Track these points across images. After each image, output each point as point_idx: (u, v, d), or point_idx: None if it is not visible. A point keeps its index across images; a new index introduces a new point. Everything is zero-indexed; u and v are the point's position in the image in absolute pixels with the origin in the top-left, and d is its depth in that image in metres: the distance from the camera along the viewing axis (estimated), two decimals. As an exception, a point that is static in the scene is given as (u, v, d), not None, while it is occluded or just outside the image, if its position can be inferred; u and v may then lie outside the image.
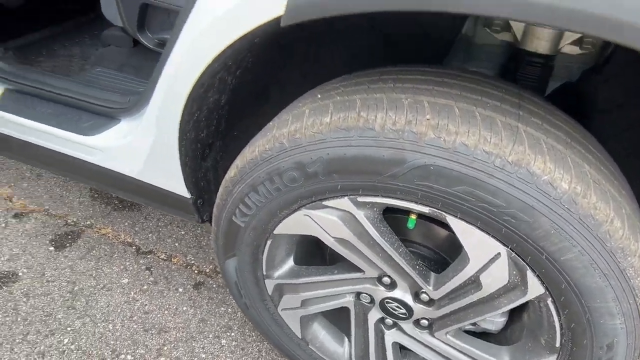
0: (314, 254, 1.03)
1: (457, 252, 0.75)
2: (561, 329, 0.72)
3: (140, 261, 1.49)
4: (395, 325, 0.94)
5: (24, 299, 1.34)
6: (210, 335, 1.29)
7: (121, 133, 1.07)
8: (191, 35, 0.79)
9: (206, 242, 1.60)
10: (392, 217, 0.81)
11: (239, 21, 0.71)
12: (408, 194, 0.68)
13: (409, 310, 0.86)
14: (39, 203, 1.67)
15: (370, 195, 0.72)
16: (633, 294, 0.64)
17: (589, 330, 0.68)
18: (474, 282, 0.74)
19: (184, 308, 1.36)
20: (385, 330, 0.96)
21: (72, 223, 1.60)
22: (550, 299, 0.69)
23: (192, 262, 1.51)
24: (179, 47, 0.81)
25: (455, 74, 0.74)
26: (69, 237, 1.55)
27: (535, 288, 0.69)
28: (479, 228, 0.66)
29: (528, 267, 0.67)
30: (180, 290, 1.41)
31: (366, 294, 0.90)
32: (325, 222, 0.78)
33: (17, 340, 1.23)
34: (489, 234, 0.66)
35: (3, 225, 1.57)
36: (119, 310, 1.33)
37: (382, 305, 0.89)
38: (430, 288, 0.79)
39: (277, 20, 0.66)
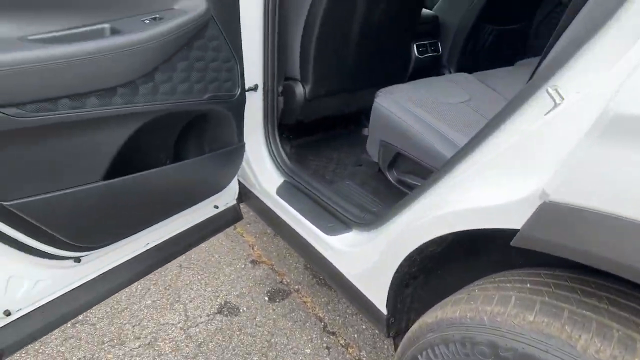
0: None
1: None
2: None
3: (324, 338, 1.73)
4: None
5: (237, 332, 1.73)
6: None
7: (351, 241, 1.34)
8: (433, 213, 0.96)
9: (380, 345, 1.73)
10: None
11: (477, 216, 0.86)
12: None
13: None
14: (269, 257, 2.13)
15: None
16: None
17: None
18: None
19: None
20: None
21: (285, 283, 1.99)
22: None
23: (364, 359, 1.67)
24: (423, 208, 1.01)
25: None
26: (280, 294, 1.92)
27: None
28: None
29: None
30: (347, 381, 1.58)
31: None
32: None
33: (224, 364, 1.61)
34: None
35: (242, 266, 2.06)
36: (296, 375, 1.58)
37: None
38: None
39: (505, 231, 0.78)
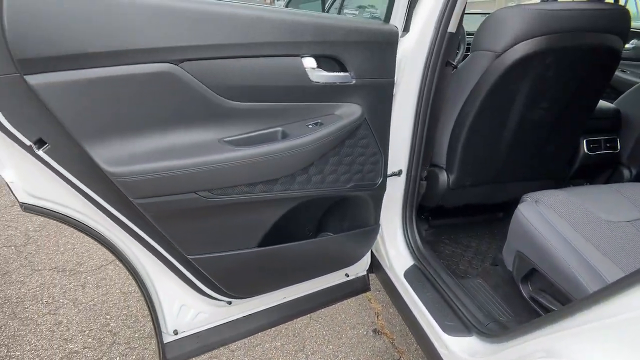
0: None
1: None
2: None
3: None
4: None
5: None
6: None
7: (469, 348, 1.32)
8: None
9: None
10: None
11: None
12: None
13: None
14: (392, 330, 2.17)
15: None
16: None
17: None
18: None
19: None
20: None
21: (403, 362, 1.99)
22: None
23: None
24: (550, 342, 0.95)
25: None
26: (396, 372, 1.94)
27: None
28: None
29: None
30: None
31: None
32: None
33: None
34: None
35: (364, 332, 2.15)
36: None
37: None
38: None
39: None
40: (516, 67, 1.46)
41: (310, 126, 1.24)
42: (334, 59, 1.19)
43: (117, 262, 2.22)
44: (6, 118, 0.89)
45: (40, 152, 0.96)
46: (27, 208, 1.05)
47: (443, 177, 1.80)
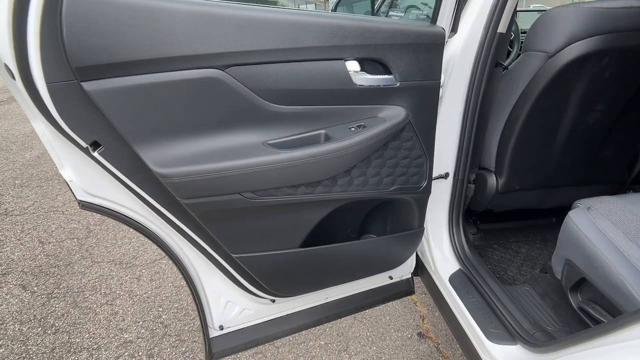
0: None
1: None
2: None
3: None
4: None
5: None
6: None
7: (513, 357, 1.26)
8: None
9: None
10: None
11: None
12: None
13: None
14: (437, 334, 2.11)
15: None
16: None
17: None
18: None
19: None
20: None
21: (448, 367, 1.94)
22: None
23: None
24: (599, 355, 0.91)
25: None
26: (441, 378, 1.89)
27: None
28: None
29: None
30: None
31: None
32: None
33: None
34: None
35: (409, 335, 2.11)
36: None
37: None
38: None
39: None
40: (570, 68, 1.39)
41: (352, 129, 1.23)
42: (378, 61, 1.17)
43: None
44: (65, 122, 0.95)
45: (95, 154, 1.02)
46: (84, 205, 1.12)
47: (492, 180, 1.73)
